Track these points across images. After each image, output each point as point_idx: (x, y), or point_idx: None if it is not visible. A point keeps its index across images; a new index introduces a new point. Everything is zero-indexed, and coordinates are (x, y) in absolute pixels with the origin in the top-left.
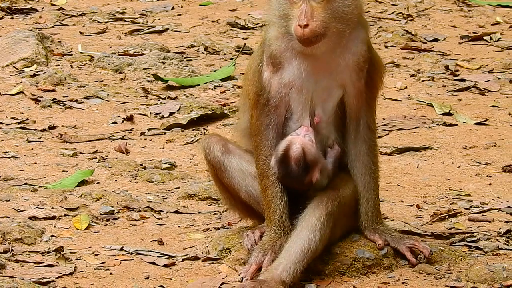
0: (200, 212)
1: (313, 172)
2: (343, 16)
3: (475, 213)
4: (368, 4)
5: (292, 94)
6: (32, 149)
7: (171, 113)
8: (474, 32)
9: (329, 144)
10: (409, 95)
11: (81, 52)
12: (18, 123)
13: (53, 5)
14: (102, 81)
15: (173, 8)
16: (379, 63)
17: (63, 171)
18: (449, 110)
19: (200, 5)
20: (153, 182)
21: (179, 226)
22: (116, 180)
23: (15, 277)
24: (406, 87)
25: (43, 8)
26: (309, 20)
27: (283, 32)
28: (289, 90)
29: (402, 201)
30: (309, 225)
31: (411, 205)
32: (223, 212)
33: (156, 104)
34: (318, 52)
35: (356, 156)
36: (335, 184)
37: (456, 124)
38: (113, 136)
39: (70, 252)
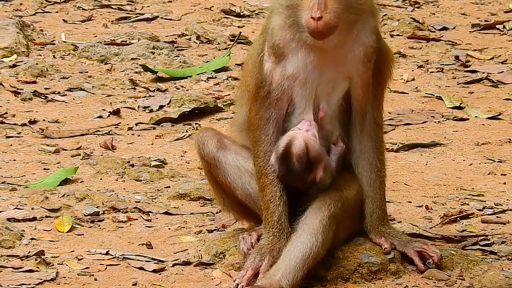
0: (192, 213)
1: (316, 170)
2: (357, 6)
3: (488, 214)
4: None
5: (296, 87)
6: (11, 145)
7: (160, 107)
8: (486, 20)
9: (333, 141)
10: (416, 88)
11: (64, 41)
12: None
13: None
14: (87, 72)
15: None
16: (388, 53)
17: (44, 169)
18: (460, 104)
19: None
20: (141, 181)
21: (169, 229)
22: (101, 179)
23: None
24: (413, 79)
25: None
26: (323, 11)
27: (290, 22)
28: (292, 82)
29: (410, 202)
30: (311, 228)
31: (420, 206)
32: (217, 213)
33: (145, 97)
34: (329, 45)
35: (361, 153)
36: (339, 184)
37: (468, 119)
38: (98, 131)
39: (52, 257)
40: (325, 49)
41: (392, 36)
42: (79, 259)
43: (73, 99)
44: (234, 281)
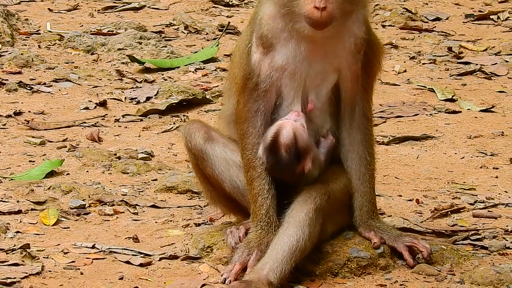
0: (179, 207)
1: (305, 160)
2: None
3: (480, 208)
4: None
5: (284, 79)
6: None
7: (148, 98)
8: (480, 11)
9: (323, 134)
10: (408, 79)
11: (49, 31)
12: None
13: None
14: (73, 62)
15: None
16: (377, 45)
17: (30, 161)
18: (452, 96)
19: None
20: (128, 173)
21: (156, 222)
22: (87, 171)
23: None
24: (405, 71)
25: None
26: (327, 1)
27: (284, 12)
28: (281, 74)
29: (401, 195)
30: (297, 221)
31: (410, 200)
32: (204, 206)
33: (132, 88)
34: (325, 35)
35: (350, 146)
36: (326, 177)
37: (460, 111)
38: (85, 123)
39: (37, 250)
40: (315, 40)
41: (384, 26)
42: (65, 253)
43: (59, 90)
44: (221, 276)
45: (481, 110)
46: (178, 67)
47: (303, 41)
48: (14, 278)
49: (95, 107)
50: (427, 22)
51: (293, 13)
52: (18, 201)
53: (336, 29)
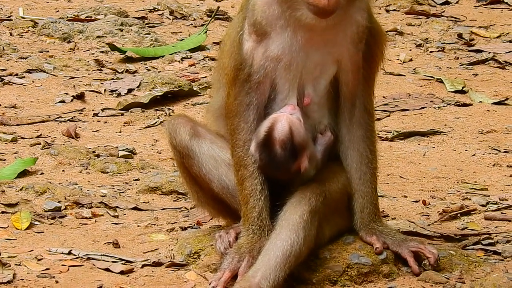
0: (163, 209)
1: (301, 158)
2: None
3: (492, 210)
4: None
5: (279, 70)
6: None
7: (129, 90)
8: None
9: (320, 130)
10: (414, 69)
11: (22, 17)
12: None
13: None
14: (48, 51)
15: None
16: (380, 34)
17: (0, 159)
18: (463, 87)
19: None
20: (107, 172)
21: (138, 226)
22: (63, 171)
23: None
24: (411, 59)
25: None
26: None
27: None
28: (276, 64)
29: (406, 196)
30: (291, 224)
31: (416, 201)
32: (191, 208)
33: (112, 79)
34: (327, 24)
35: (350, 143)
36: (322, 176)
37: (471, 104)
38: (60, 117)
39: (8, 257)
40: (315, 29)
41: (388, 11)
42: (39, 260)
43: (32, 81)
44: (209, 284)
45: (494, 103)
46: (163, 56)
47: (300, 30)
48: None
49: (72, 100)
50: (435, 6)
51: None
52: None
53: (338, 17)
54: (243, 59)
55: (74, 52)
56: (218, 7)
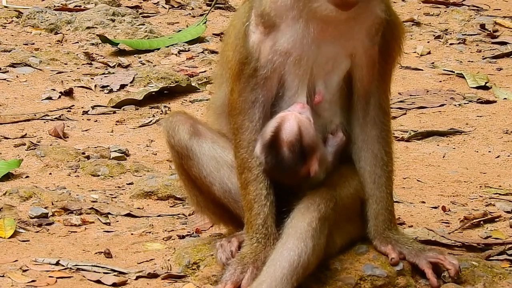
0: (159, 216)
1: (310, 160)
2: None
3: None
4: None
5: (289, 65)
6: None
7: (122, 86)
8: None
9: (332, 130)
10: (433, 63)
11: (5, 6)
12: None
13: None
14: (33, 44)
15: None
16: (398, 26)
17: None
18: (485, 83)
19: None
20: (98, 176)
21: (132, 234)
22: (50, 174)
23: None
24: (429, 52)
25: None
26: None
27: None
28: (285, 59)
29: (424, 202)
30: (298, 232)
31: (435, 207)
32: (189, 215)
33: (103, 74)
34: (347, 16)
35: (364, 144)
36: (333, 180)
37: (495, 101)
38: (47, 115)
39: None
40: (331, 21)
41: (403, 0)
42: (24, 270)
43: (17, 76)
44: None
45: None
46: (158, 49)
47: (314, 22)
48: None
49: (60, 96)
50: None
51: None
52: None
53: (359, 9)
54: (249, 53)
55: (62, 45)
56: None
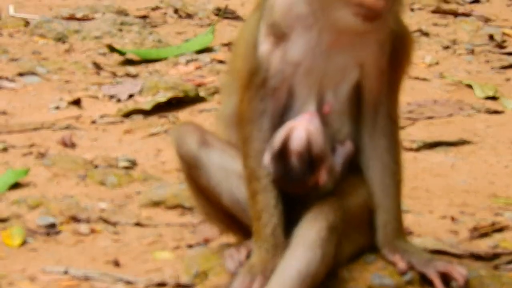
0: (168, 225)
1: (319, 171)
2: None
3: None
4: None
5: (299, 75)
6: None
7: (130, 96)
8: None
9: (340, 140)
10: (441, 73)
11: (13, 16)
12: None
13: None
14: (41, 53)
15: None
16: (407, 36)
17: None
18: (494, 93)
19: None
20: (106, 185)
21: (140, 243)
22: (58, 183)
23: None
24: (437, 63)
25: None
26: None
27: None
28: (295, 69)
29: (432, 212)
30: (307, 241)
31: (444, 217)
32: (198, 224)
33: (111, 83)
34: (370, 28)
35: (373, 153)
36: (341, 190)
37: (503, 111)
38: (55, 125)
39: None
40: (347, 31)
41: (412, 10)
42: (32, 279)
43: (24, 86)
44: None
45: None
46: (166, 59)
47: (328, 32)
48: None
49: (67, 106)
50: (463, 4)
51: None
52: None
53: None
54: (259, 63)
55: (70, 54)
56: (227, 5)
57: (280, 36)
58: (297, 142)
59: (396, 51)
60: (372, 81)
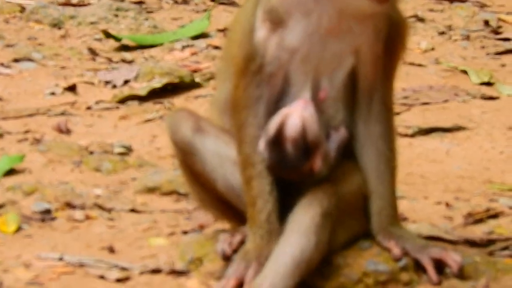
0: (163, 211)
1: (314, 157)
2: None
3: None
4: None
5: (295, 61)
6: None
7: (125, 82)
8: None
9: (334, 126)
10: (436, 59)
11: (8, 1)
12: None
13: None
14: (36, 39)
15: None
16: (403, 22)
17: None
18: (489, 79)
19: None
20: (101, 171)
21: (135, 229)
22: (53, 169)
23: None
24: (433, 48)
25: None
26: None
27: None
28: (292, 55)
29: (427, 198)
30: (301, 228)
31: (439, 203)
32: (193, 210)
33: (107, 69)
34: (380, 10)
35: (367, 140)
36: (335, 176)
37: (498, 97)
38: (50, 111)
39: None
40: (341, 16)
41: None
42: (27, 266)
43: (20, 71)
44: None
45: None
46: (162, 45)
47: (327, 17)
48: None
49: (63, 92)
50: None
51: None
52: None
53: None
54: (255, 49)
55: (65, 40)
56: None
57: (277, 22)
58: (292, 128)
59: (391, 37)
60: (367, 68)
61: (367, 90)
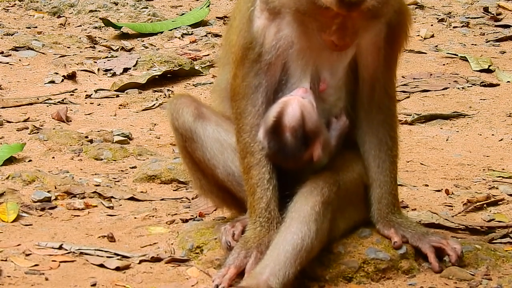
0: (162, 199)
1: (314, 145)
2: None
3: None
4: None
5: (292, 53)
6: None
7: (125, 70)
8: None
9: (336, 114)
10: (436, 46)
11: None
12: None
13: None
14: (36, 27)
15: None
16: (405, 11)
17: None
18: (489, 66)
19: None
20: (101, 159)
21: (135, 218)
22: (53, 157)
23: None
24: (432, 36)
25: None
26: None
27: None
28: (289, 47)
29: (427, 185)
30: (301, 216)
31: (439, 190)
32: (193, 199)
33: (106, 57)
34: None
35: (368, 128)
36: (336, 165)
37: (498, 84)
38: (50, 99)
39: None
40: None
41: None
42: (27, 255)
43: (19, 60)
44: (213, 281)
45: None
46: (161, 33)
47: (317, 18)
48: None
49: (63, 80)
50: None
51: None
52: None
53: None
54: (253, 38)
55: (65, 28)
56: None
57: (275, 12)
58: (291, 117)
59: (393, 27)
60: (368, 58)
61: (368, 79)
